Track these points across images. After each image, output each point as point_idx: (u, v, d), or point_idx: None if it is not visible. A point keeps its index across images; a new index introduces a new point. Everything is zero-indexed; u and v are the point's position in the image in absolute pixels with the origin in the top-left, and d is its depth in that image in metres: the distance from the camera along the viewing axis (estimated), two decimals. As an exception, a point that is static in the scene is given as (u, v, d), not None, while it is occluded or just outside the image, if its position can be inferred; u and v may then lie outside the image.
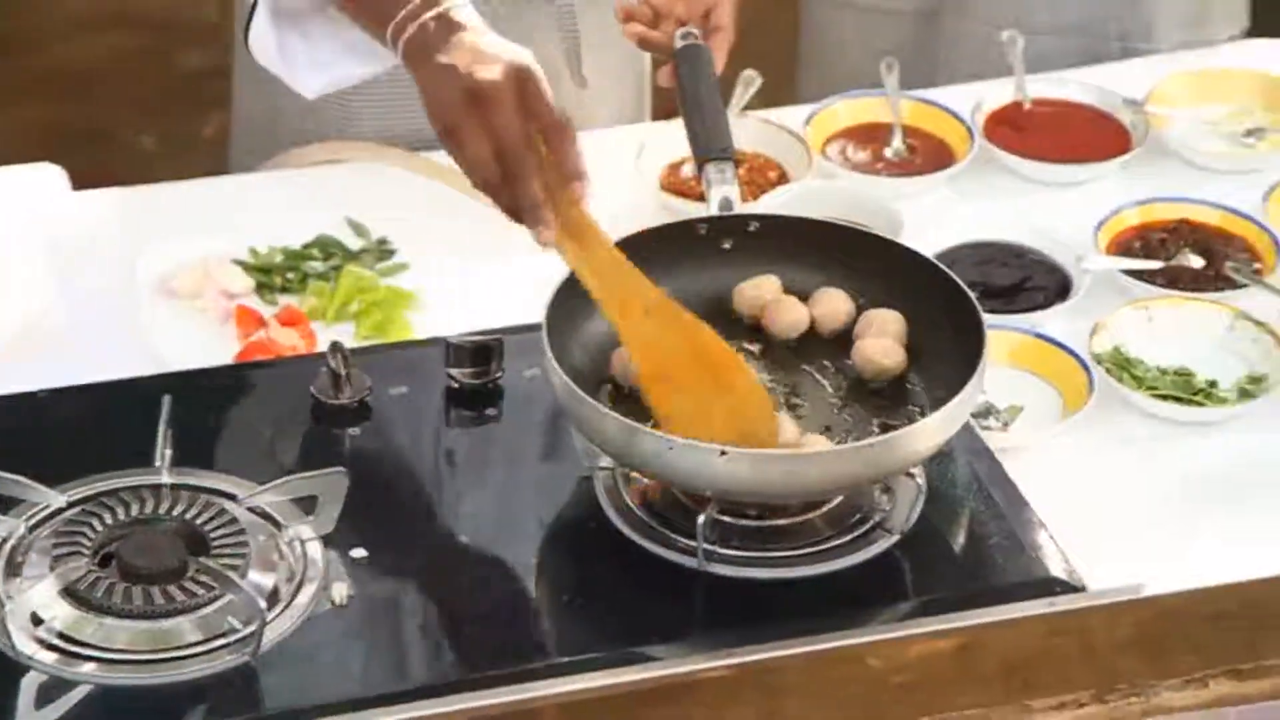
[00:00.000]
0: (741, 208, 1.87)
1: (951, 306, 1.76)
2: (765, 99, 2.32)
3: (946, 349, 1.76)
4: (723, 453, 1.62)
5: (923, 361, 1.79)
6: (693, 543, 1.67)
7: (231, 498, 1.70)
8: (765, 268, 1.84)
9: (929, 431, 1.66)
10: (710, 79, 1.99)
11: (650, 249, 1.81)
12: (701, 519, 1.66)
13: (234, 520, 1.67)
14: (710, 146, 1.92)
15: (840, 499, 1.72)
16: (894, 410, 1.76)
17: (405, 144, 2.26)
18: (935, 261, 1.81)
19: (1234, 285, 2.08)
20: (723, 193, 1.88)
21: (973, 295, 1.76)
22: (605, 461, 1.75)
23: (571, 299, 1.75)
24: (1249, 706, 1.69)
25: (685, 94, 1.98)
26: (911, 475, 1.73)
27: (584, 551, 1.72)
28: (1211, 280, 2.09)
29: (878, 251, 1.83)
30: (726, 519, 1.70)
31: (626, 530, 1.71)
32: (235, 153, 2.43)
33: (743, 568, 1.68)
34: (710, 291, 1.83)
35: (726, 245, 1.84)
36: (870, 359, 1.77)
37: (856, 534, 1.70)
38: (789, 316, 1.81)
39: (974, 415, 1.88)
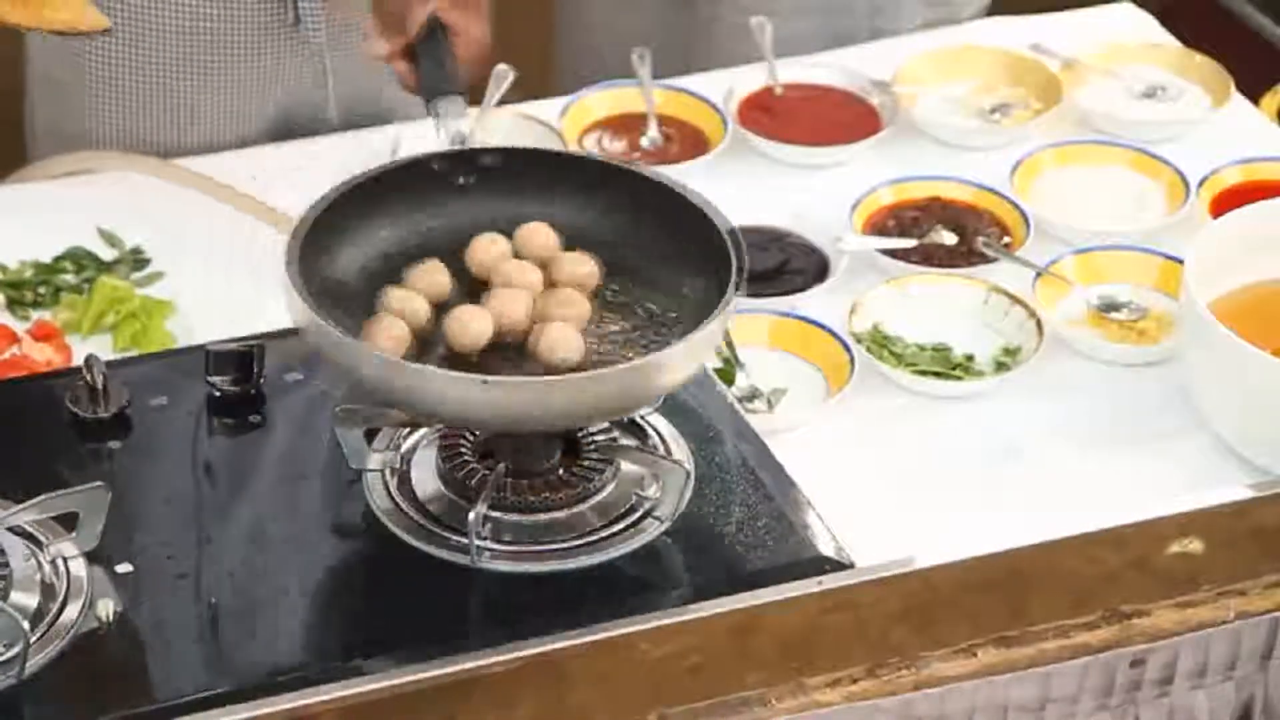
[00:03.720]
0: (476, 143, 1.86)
1: (698, 233, 1.74)
2: (522, 92, 2.32)
3: (694, 274, 1.74)
4: (485, 382, 1.60)
5: (671, 287, 1.76)
6: (465, 540, 1.67)
7: (-11, 518, 1.66)
8: (502, 203, 1.79)
9: (678, 358, 1.65)
10: (437, 27, 1.98)
11: (385, 188, 1.78)
12: (472, 515, 1.65)
13: (-8, 541, 1.63)
14: (438, 81, 1.91)
15: (611, 488, 1.73)
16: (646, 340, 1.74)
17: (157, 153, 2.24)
18: (673, 184, 1.78)
19: (986, 260, 2.12)
20: (454, 127, 1.87)
21: (718, 216, 1.74)
22: (374, 463, 1.73)
23: (314, 238, 1.71)
24: (1017, 674, 1.73)
25: (414, 41, 1.98)
26: (679, 462, 1.74)
27: (356, 554, 1.71)
28: (964, 256, 2.13)
29: (615, 180, 1.81)
30: (497, 515, 1.69)
31: (398, 531, 1.70)
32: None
33: (517, 562, 1.68)
34: (450, 229, 1.79)
35: (462, 181, 1.81)
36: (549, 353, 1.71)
37: (627, 523, 1.71)
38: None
39: (739, 399, 1.90)
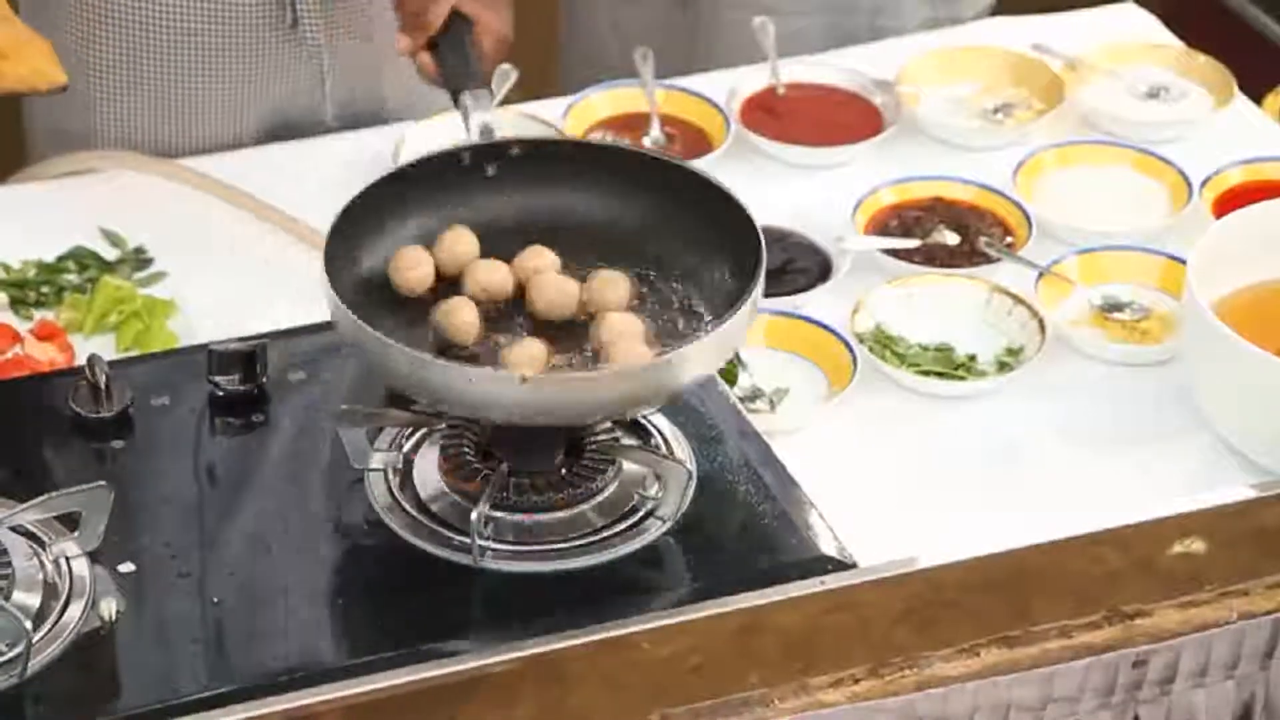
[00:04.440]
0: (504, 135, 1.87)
1: (724, 218, 1.76)
2: (525, 92, 2.32)
3: (724, 263, 1.76)
4: (524, 379, 1.61)
5: (698, 277, 1.78)
6: (467, 540, 1.67)
7: (-9, 518, 1.66)
8: (531, 193, 1.82)
9: (706, 350, 1.66)
10: (459, 20, 2.00)
11: (414, 183, 1.79)
12: (475, 515, 1.65)
13: (-5, 541, 1.63)
14: (462, 76, 1.92)
15: (613, 488, 1.73)
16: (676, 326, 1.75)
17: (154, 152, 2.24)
18: (700, 172, 1.80)
19: (989, 260, 2.11)
20: (481, 119, 1.88)
21: (745, 205, 1.75)
22: (376, 462, 1.73)
23: (350, 234, 1.74)
24: (1019, 674, 1.73)
25: (436, 35, 2.00)
26: (681, 462, 1.74)
27: (358, 554, 1.71)
28: (967, 256, 2.13)
29: (643, 168, 1.82)
30: (500, 514, 1.69)
31: (400, 530, 1.70)
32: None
33: (519, 562, 1.68)
34: (481, 220, 1.81)
35: (490, 172, 1.83)
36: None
37: (630, 523, 1.71)
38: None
39: (741, 399, 1.90)
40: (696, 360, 1.66)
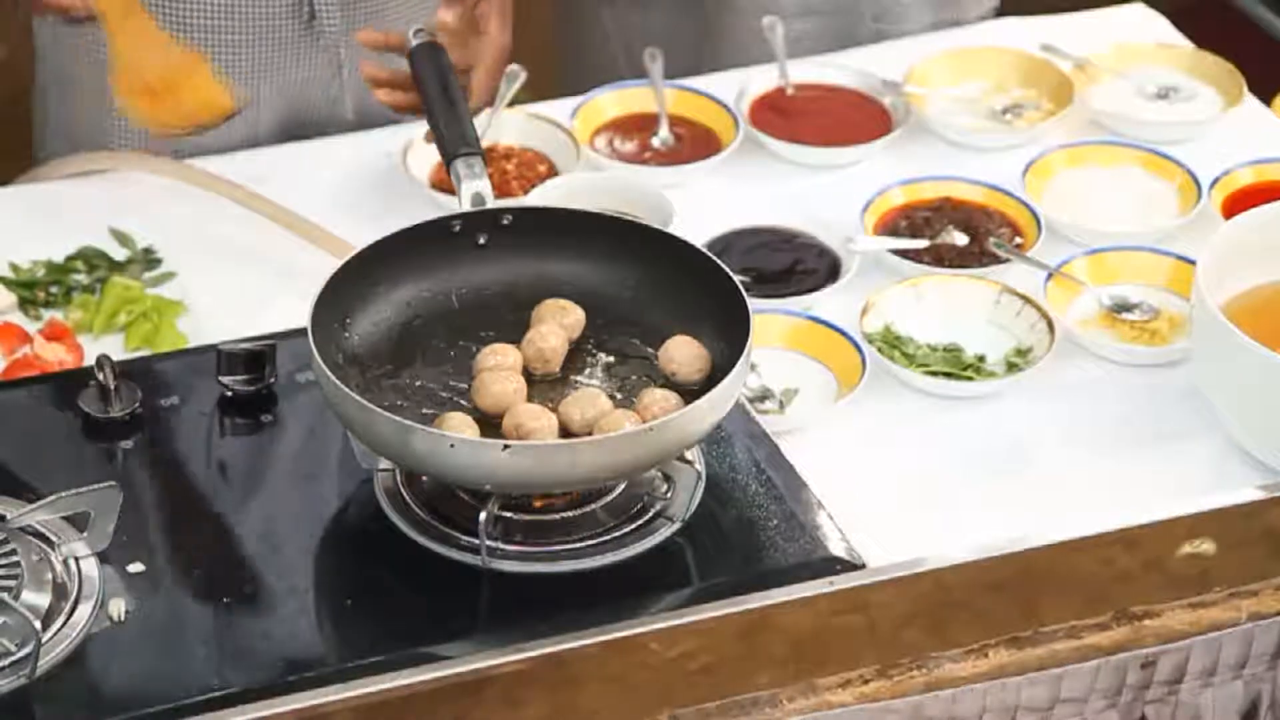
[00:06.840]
0: (494, 202, 1.87)
1: (714, 288, 1.77)
2: (533, 93, 2.32)
3: (712, 332, 1.77)
4: (505, 447, 1.62)
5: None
6: (475, 540, 1.67)
7: (0, 518, 1.66)
8: (522, 261, 1.83)
9: (699, 414, 1.67)
10: (449, 75, 1.98)
11: (404, 250, 1.80)
12: (483, 516, 1.66)
13: (4, 540, 1.63)
14: (457, 142, 1.92)
15: (621, 489, 1.73)
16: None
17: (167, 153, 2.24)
18: (688, 241, 1.82)
19: (997, 260, 2.11)
20: (473, 188, 1.88)
21: (735, 277, 1.77)
22: (384, 463, 1.74)
23: (338, 297, 1.74)
24: (1028, 675, 1.73)
25: (426, 92, 1.97)
26: (690, 462, 1.74)
27: (367, 554, 1.71)
28: (976, 256, 2.13)
29: (635, 238, 1.84)
30: (508, 515, 1.69)
31: (409, 530, 1.70)
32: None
33: (527, 562, 1.68)
34: (469, 289, 1.83)
35: (482, 240, 1.84)
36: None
37: (639, 524, 1.71)
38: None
39: (751, 399, 1.90)
40: (681, 428, 1.66)
